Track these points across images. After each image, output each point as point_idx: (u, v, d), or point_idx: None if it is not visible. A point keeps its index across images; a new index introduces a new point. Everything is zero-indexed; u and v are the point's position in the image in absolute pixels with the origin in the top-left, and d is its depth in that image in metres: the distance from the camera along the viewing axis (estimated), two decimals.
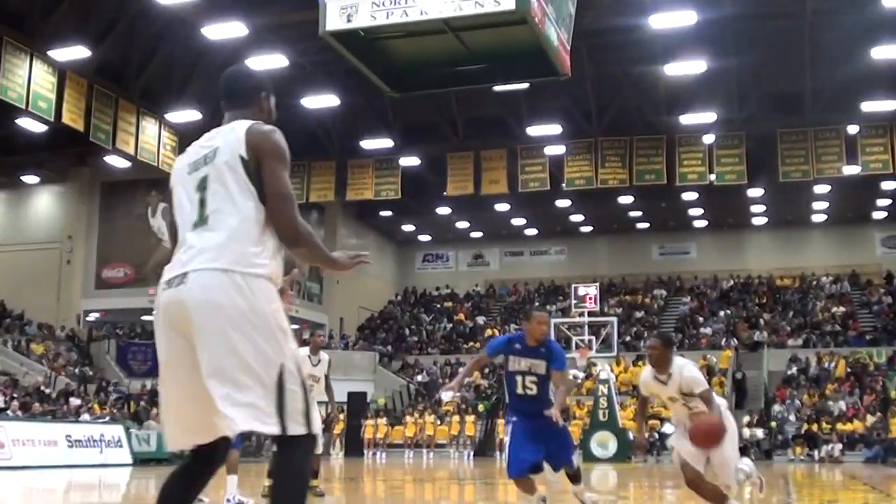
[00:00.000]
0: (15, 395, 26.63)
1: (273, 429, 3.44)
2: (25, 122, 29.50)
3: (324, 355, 12.26)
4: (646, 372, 8.26)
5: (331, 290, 43.54)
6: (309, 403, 3.57)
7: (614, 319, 34.68)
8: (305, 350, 11.52)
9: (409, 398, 39.40)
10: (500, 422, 30.49)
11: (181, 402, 3.70)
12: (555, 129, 32.62)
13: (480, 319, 46.15)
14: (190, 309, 3.54)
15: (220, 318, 3.48)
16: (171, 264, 3.77)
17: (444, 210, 43.78)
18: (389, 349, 43.56)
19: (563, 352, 9.22)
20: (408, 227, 49.27)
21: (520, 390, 8.81)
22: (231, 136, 3.74)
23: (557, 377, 8.82)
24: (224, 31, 25.80)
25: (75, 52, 26.06)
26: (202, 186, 3.71)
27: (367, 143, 33.70)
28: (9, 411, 24.74)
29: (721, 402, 8.19)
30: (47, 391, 29.42)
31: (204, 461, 3.75)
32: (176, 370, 3.68)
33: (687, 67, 28.63)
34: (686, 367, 8.01)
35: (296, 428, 3.48)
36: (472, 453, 33.22)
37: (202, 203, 3.70)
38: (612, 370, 33.04)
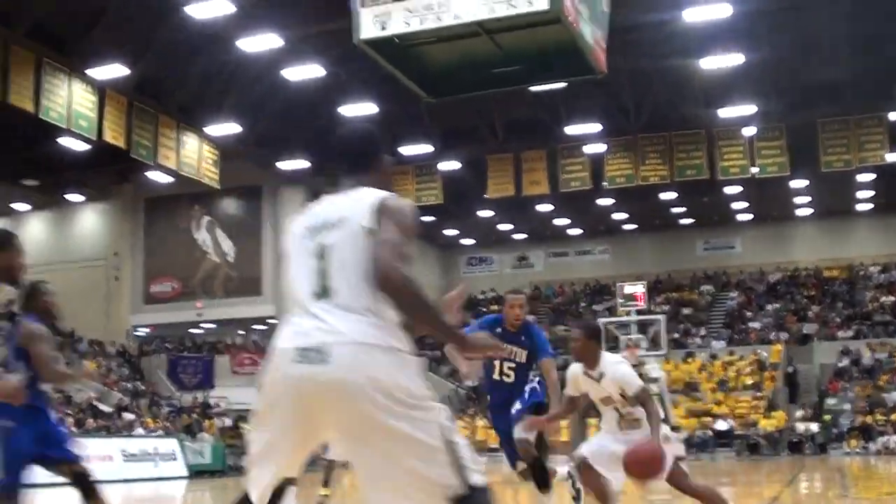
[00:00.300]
0: (69, 412, 26.89)
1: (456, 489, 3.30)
2: (67, 142, 29.82)
3: None
4: (575, 367, 7.53)
5: None
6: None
7: (662, 317, 34.51)
8: None
9: (459, 402, 39.38)
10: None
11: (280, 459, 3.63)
12: (594, 127, 32.50)
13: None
14: (335, 391, 3.32)
15: (370, 404, 3.27)
16: (295, 332, 3.54)
17: (486, 213, 43.73)
18: (438, 354, 43.57)
19: (546, 337, 8.89)
20: (450, 232, 49.24)
21: (496, 375, 8.60)
22: (359, 207, 3.56)
23: (546, 365, 8.51)
24: (259, 43, 25.91)
25: (114, 71, 26.29)
26: (321, 254, 3.57)
27: (407, 150, 33.73)
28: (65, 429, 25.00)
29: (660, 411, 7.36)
30: (101, 407, 29.69)
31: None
32: (282, 439, 3.57)
33: (723, 60, 28.39)
34: (620, 364, 7.39)
35: (475, 478, 3.34)
36: None
37: (323, 273, 3.54)
38: (661, 368, 32.89)
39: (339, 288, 3.48)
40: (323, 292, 3.52)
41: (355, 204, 3.58)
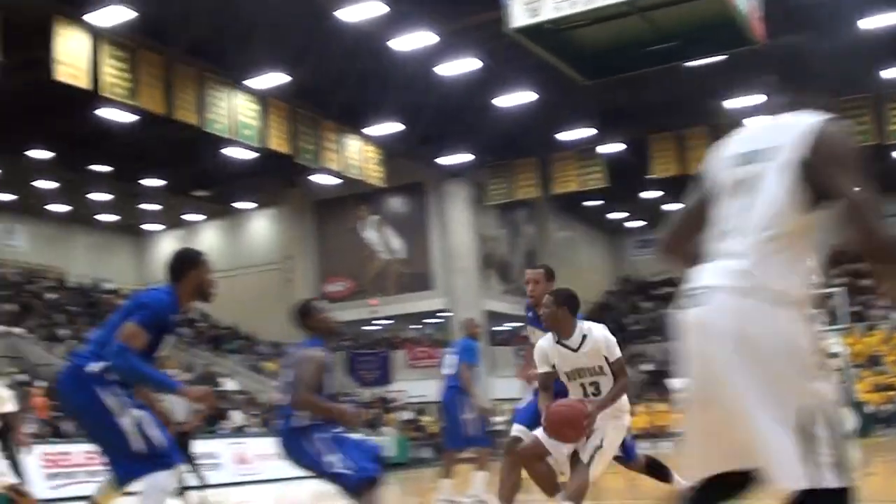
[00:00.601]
0: (255, 413, 27.69)
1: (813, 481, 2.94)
2: (233, 151, 30.69)
3: None
4: (545, 339, 6.96)
5: None
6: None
7: (841, 290, 33.45)
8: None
9: (637, 388, 38.99)
10: None
11: (706, 428, 3.20)
12: (756, 99, 31.70)
13: None
14: (712, 335, 3.07)
15: (745, 353, 3.00)
16: (695, 274, 3.25)
17: (652, 194, 43.11)
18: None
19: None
20: (617, 215, 48.75)
21: None
22: (792, 133, 3.19)
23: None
24: (413, 41, 26.13)
25: (273, 80, 26.91)
26: (745, 188, 3.23)
27: (567, 135, 33.53)
28: (251, 428, 25.74)
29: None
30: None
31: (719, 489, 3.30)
32: (699, 395, 3.19)
33: (885, 20, 27.30)
34: (603, 329, 6.85)
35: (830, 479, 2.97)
36: None
37: (740, 209, 3.21)
38: (842, 342, 31.87)
39: (749, 225, 3.15)
40: (734, 229, 3.20)
41: (789, 130, 3.22)
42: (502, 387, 37.00)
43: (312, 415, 6.57)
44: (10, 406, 14.18)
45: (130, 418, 5.68)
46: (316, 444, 6.55)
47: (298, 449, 6.62)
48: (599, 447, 6.63)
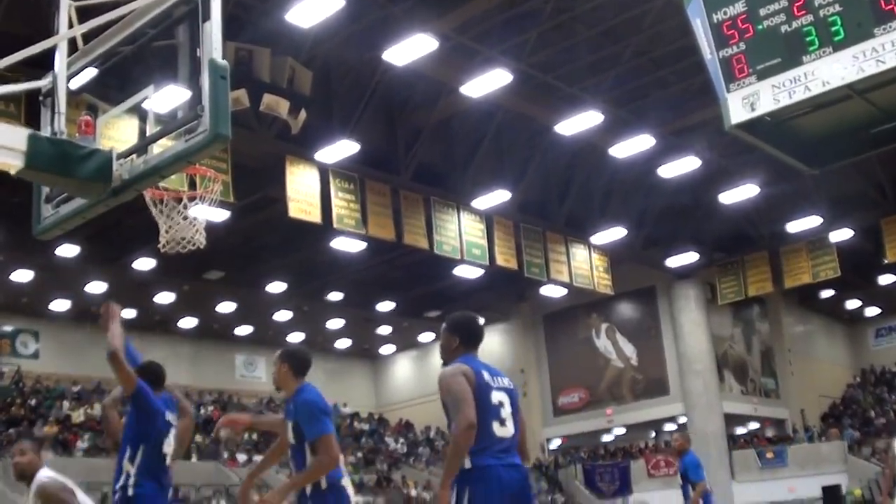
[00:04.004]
0: None
1: None
2: (462, 270, 31.27)
3: None
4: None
5: (786, 383, 42.04)
6: None
7: None
8: None
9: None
10: None
11: None
12: None
13: None
14: None
15: None
16: None
17: (889, 279, 41.26)
18: (857, 435, 41.21)
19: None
20: (853, 304, 46.81)
21: None
22: None
23: None
24: (632, 146, 26.17)
25: (497, 198, 27.33)
26: None
27: (795, 226, 32.64)
28: None
29: None
30: None
31: None
32: None
33: None
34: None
35: None
36: None
37: None
38: None
39: None
40: None
41: None
42: (745, 491, 35.75)
43: None
44: None
45: None
46: None
47: None
48: None
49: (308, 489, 6.32)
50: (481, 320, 6.05)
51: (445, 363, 5.80)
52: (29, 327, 36.03)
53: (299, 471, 6.35)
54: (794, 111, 8.31)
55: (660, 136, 26.07)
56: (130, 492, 6.89)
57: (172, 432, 7.42)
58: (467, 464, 5.24)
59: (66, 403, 30.48)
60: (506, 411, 5.51)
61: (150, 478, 7.03)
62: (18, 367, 33.48)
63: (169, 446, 7.34)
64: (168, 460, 7.35)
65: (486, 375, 5.56)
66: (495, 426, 5.42)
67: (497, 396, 5.51)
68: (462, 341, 5.84)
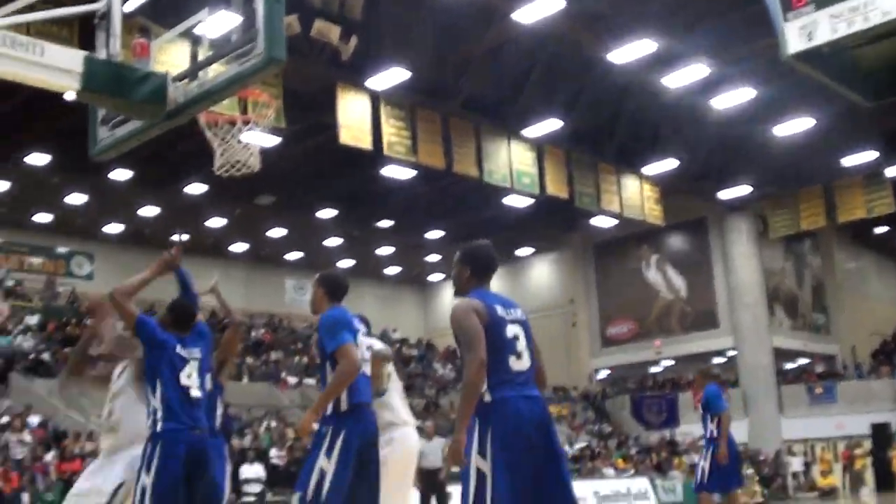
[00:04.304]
0: None
1: None
2: (512, 200, 31.23)
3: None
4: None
5: (837, 319, 41.77)
6: None
7: None
8: None
9: None
10: None
11: None
12: None
13: None
14: None
15: None
16: None
17: None
18: None
19: None
20: None
21: None
22: None
23: None
24: (686, 76, 25.84)
25: (549, 126, 27.23)
26: None
27: (851, 160, 32.18)
28: None
29: None
30: (572, 451, 30.44)
31: None
32: None
33: None
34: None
35: None
36: None
37: None
38: None
39: None
40: None
41: None
42: (793, 427, 35.73)
43: None
44: None
45: None
46: None
47: None
48: None
49: (329, 410, 6.38)
50: (495, 252, 5.93)
51: (457, 294, 5.73)
52: (83, 249, 36.57)
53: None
54: (852, 42, 8.15)
55: (714, 67, 25.70)
56: (158, 427, 6.94)
57: (193, 366, 7.28)
58: (486, 398, 5.23)
59: (119, 324, 31.02)
60: (521, 344, 5.46)
61: (174, 414, 6.97)
62: (73, 287, 33.99)
63: (190, 379, 7.22)
64: (195, 393, 7.23)
65: (499, 309, 5.50)
66: (511, 360, 5.38)
67: (512, 330, 5.46)
68: (474, 272, 5.76)
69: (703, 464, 12.00)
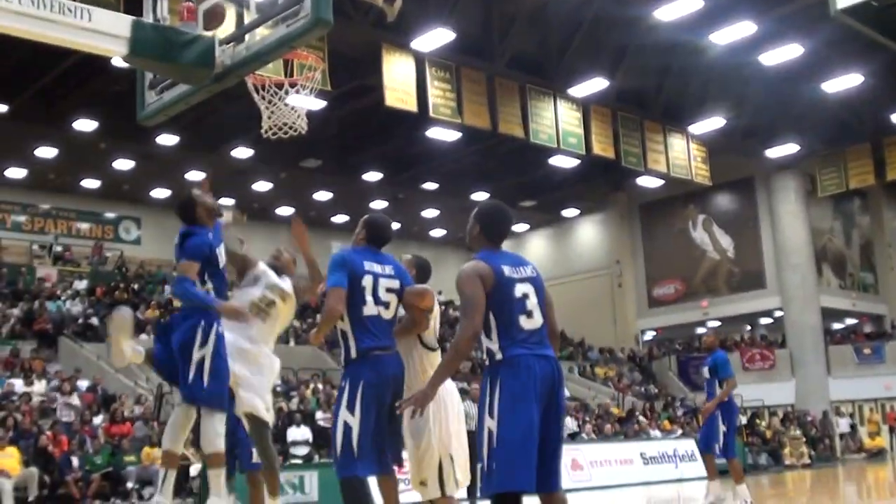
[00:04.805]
0: (587, 419, 27.86)
1: None
2: (558, 160, 31.14)
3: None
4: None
5: (885, 279, 41.36)
6: None
7: None
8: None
9: None
10: None
11: None
12: None
13: None
14: None
15: None
16: None
17: None
18: None
19: None
20: None
21: None
22: None
23: None
24: (732, 33, 25.55)
25: (594, 86, 27.06)
26: None
27: None
28: (583, 434, 25.90)
29: None
30: (616, 412, 30.45)
31: None
32: None
33: None
34: None
35: None
36: None
37: None
38: None
39: None
40: None
41: None
42: (840, 387, 35.52)
43: None
44: None
45: None
46: None
47: None
48: None
49: (342, 357, 6.49)
50: (510, 214, 5.90)
51: (470, 249, 5.71)
52: (131, 214, 36.94)
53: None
54: None
55: (761, 23, 25.39)
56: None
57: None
58: (498, 356, 5.23)
59: (167, 288, 31.25)
60: (531, 302, 5.39)
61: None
62: (121, 252, 34.36)
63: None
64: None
65: (506, 270, 5.42)
66: (522, 319, 5.33)
67: (521, 289, 5.39)
68: (483, 230, 5.71)
69: (721, 427, 12.46)
